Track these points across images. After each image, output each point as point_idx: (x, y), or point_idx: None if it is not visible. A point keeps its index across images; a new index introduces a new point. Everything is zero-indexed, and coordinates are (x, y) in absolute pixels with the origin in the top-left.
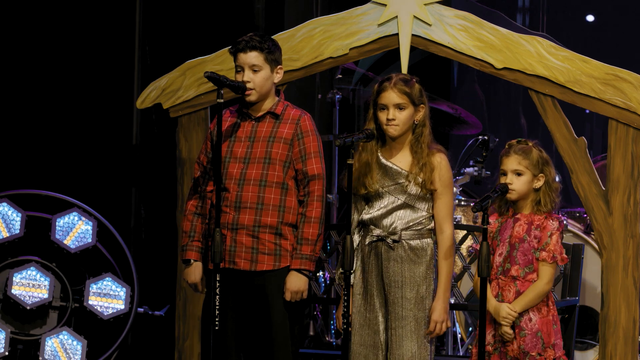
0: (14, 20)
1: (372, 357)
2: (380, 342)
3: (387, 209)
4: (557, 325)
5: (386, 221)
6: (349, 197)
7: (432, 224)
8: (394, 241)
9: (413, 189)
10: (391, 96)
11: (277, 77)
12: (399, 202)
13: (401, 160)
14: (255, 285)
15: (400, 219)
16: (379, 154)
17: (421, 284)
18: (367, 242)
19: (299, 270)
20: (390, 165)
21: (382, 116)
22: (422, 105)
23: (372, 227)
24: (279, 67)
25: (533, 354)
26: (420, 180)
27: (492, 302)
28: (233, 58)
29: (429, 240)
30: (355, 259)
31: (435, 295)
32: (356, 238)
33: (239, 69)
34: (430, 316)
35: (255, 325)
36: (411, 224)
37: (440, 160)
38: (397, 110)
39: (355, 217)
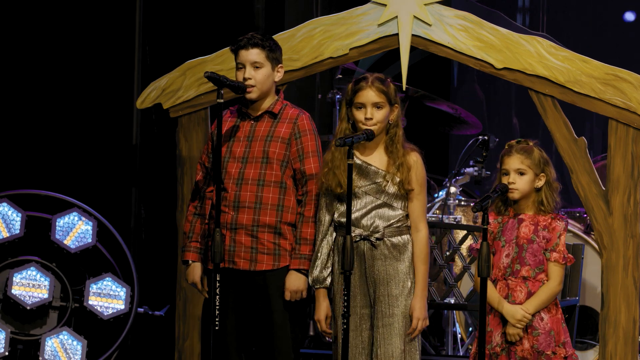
0: (14, 21)
1: (357, 358)
2: (363, 341)
3: (366, 209)
4: (565, 324)
5: (366, 221)
6: (349, 197)
7: (409, 222)
8: (377, 239)
9: (391, 188)
10: (369, 95)
11: (278, 75)
12: (379, 201)
13: (377, 160)
14: (255, 285)
15: (380, 218)
16: (354, 154)
17: (405, 280)
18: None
19: (298, 270)
20: (367, 165)
21: (359, 115)
22: (396, 105)
23: (352, 227)
24: (279, 65)
25: (548, 352)
26: (397, 179)
27: (503, 304)
28: (234, 56)
29: (408, 236)
30: (331, 261)
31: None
32: (330, 240)
33: (240, 66)
34: (412, 314)
35: (256, 325)
36: (391, 221)
37: (416, 160)
38: (374, 109)
39: (327, 217)
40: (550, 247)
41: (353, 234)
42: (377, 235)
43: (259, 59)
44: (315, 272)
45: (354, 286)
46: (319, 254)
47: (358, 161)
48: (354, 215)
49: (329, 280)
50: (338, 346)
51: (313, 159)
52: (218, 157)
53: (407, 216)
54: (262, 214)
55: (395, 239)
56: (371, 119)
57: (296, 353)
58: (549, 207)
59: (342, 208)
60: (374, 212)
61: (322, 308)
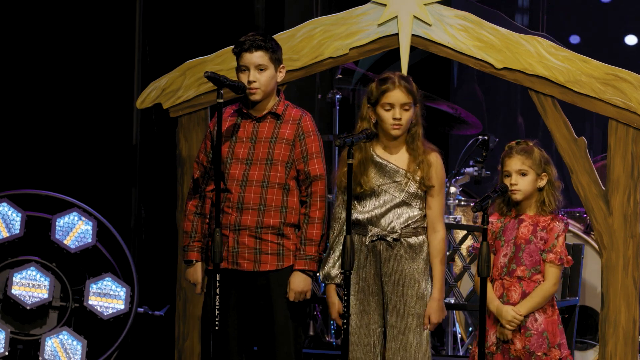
0: (14, 21)
1: (369, 357)
2: (375, 341)
3: (385, 208)
4: (562, 325)
5: (384, 220)
6: (349, 198)
7: (426, 222)
8: (394, 240)
9: (412, 187)
10: (398, 95)
11: (280, 76)
12: (397, 200)
13: (398, 159)
14: (258, 285)
15: (397, 218)
16: (374, 152)
17: (421, 280)
18: (367, 243)
19: (302, 271)
20: (387, 163)
21: (387, 116)
22: (418, 104)
23: (369, 226)
24: (281, 66)
25: (539, 354)
26: (418, 177)
27: (495, 303)
28: (236, 58)
29: (424, 237)
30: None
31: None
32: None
33: (244, 68)
34: (429, 317)
35: (258, 325)
36: (409, 222)
37: (436, 159)
38: (402, 110)
39: (344, 215)
40: (547, 248)
41: (370, 234)
42: (394, 235)
43: (263, 62)
44: (326, 268)
45: (368, 285)
46: (332, 250)
47: (378, 159)
48: (372, 214)
49: (339, 276)
50: (349, 345)
51: (317, 160)
52: (218, 156)
53: (424, 217)
54: (267, 215)
55: (411, 240)
56: (400, 119)
57: (298, 353)
58: (551, 206)
59: (360, 207)
60: (392, 212)
61: (337, 305)
